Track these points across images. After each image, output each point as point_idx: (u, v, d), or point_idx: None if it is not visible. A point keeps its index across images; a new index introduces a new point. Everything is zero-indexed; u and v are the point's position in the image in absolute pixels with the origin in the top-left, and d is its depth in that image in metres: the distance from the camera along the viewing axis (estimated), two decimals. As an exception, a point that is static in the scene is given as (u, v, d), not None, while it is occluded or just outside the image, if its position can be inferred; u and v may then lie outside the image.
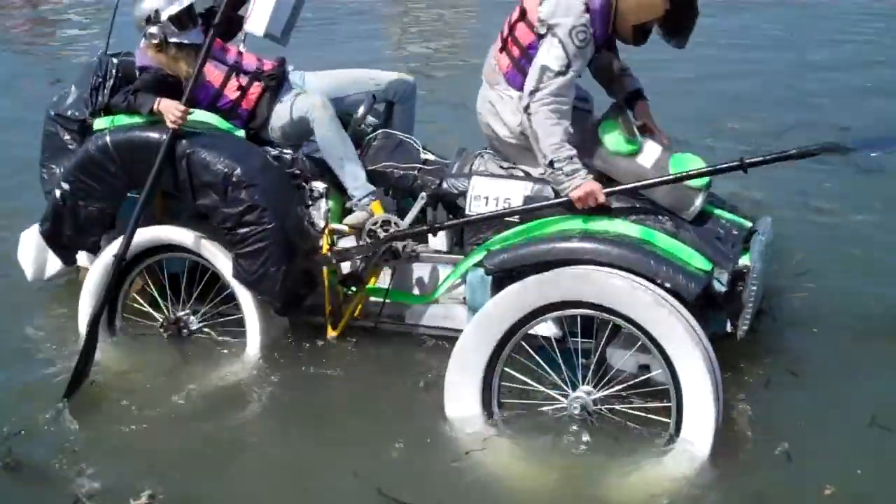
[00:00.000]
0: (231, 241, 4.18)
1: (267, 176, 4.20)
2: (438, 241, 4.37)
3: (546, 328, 3.84)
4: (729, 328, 3.90)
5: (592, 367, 3.76)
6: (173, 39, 4.35)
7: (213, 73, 4.45)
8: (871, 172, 6.20)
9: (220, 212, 4.15)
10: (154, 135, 4.17)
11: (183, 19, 4.35)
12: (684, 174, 3.84)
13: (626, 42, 4.08)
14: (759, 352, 4.24)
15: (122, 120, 4.33)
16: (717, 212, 4.13)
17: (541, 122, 3.86)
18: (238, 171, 4.10)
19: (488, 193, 4.11)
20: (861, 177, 6.22)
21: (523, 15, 4.07)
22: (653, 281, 3.63)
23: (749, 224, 4.13)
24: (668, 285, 3.63)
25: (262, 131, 4.58)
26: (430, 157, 4.58)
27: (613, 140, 4.00)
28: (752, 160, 3.81)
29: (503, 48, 4.17)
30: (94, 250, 4.49)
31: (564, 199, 3.87)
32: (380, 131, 4.68)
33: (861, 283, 4.93)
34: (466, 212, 4.14)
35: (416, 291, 4.39)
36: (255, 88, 4.53)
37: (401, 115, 4.87)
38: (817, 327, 4.53)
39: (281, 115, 4.52)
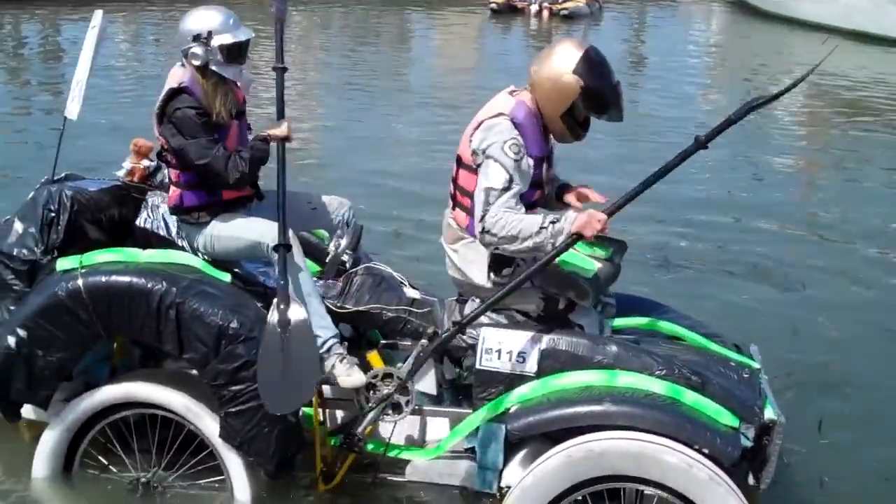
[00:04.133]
0: (220, 399, 3.79)
1: (262, 327, 3.83)
2: (427, 384, 4.13)
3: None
4: (751, 480, 3.84)
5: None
6: (214, 68, 4.05)
7: (233, 136, 4.14)
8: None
9: (212, 367, 3.75)
10: (137, 280, 3.74)
11: (233, 52, 4.07)
12: (658, 172, 3.70)
13: (567, 140, 4.00)
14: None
15: (93, 259, 3.87)
16: (723, 351, 4.11)
17: (503, 225, 3.71)
18: (234, 323, 3.73)
19: (500, 346, 3.90)
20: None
21: (460, 162, 3.98)
22: (690, 446, 3.53)
23: (757, 365, 4.11)
24: (706, 451, 3.53)
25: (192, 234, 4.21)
26: (416, 294, 4.34)
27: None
28: (707, 134, 3.65)
29: (455, 206, 4.05)
30: (44, 405, 3.98)
31: (573, 237, 3.70)
32: (361, 266, 4.40)
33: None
34: (477, 366, 3.92)
35: (417, 445, 4.11)
36: (246, 189, 4.22)
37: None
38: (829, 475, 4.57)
39: (228, 230, 4.14)
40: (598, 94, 3.85)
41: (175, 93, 4.04)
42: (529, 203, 3.98)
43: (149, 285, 3.72)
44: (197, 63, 4.05)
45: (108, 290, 3.75)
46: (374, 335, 4.34)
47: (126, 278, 3.76)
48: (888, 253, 7.56)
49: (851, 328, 6.11)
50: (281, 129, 4.07)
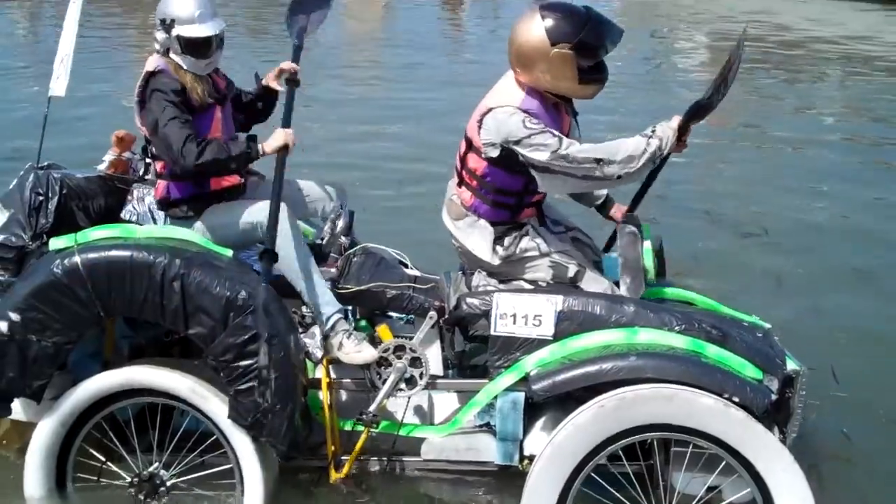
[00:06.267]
0: (229, 376, 3.60)
1: (270, 299, 3.68)
2: (434, 364, 3.99)
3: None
4: (777, 434, 3.75)
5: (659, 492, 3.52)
6: (173, 56, 3.98)
7: (217, 122, 4.04)
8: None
9: (220, 342, 3.57)
10: (138, 254, 3.55)
11: (191, 46, 3.97)
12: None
13: (594, 94, 3.91)
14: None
15: (89, 236, 3.68)
16: (735, 313, 4.08)
17: (616, 150, 3.68)
18: (242, 293, 3.56)
19: (515, 311, 3.79)
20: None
21: (470, 145, 3.93)
22: (720, 395, 3.45)
23: (767, 325, 4.06)
24: (736, 400, 3.45)
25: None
26: (416, 272, 4.24)
27: None
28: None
29: (460, 183, 4.01)
30: (38, 397, 3.73)
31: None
32: (359, 247, 4.29)
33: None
34: (492, 332, 3.80)
35: (432, 422, 3.96)
36: (234, 178, 4.08)
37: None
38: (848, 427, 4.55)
39: (219, 220, 4.04)
40: (589, 44, 3.75)
41: (151, 75, 3.96)
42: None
43: (151, 258, 3.53)
44: (158, 48, 4.00)
45: (108, 266, 3.54)
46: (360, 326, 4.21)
47: (126, 252, 3.56)
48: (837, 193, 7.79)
49: (823, 270, 6.26)
50: (276, 140, 3.94)
